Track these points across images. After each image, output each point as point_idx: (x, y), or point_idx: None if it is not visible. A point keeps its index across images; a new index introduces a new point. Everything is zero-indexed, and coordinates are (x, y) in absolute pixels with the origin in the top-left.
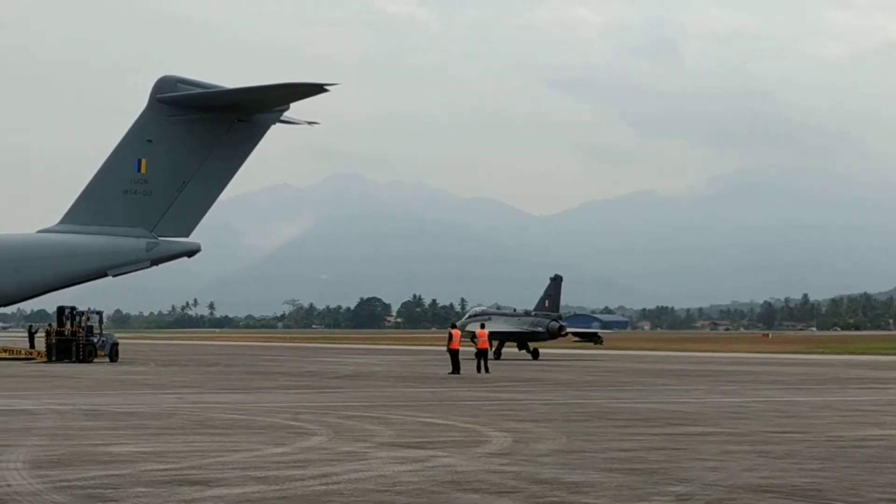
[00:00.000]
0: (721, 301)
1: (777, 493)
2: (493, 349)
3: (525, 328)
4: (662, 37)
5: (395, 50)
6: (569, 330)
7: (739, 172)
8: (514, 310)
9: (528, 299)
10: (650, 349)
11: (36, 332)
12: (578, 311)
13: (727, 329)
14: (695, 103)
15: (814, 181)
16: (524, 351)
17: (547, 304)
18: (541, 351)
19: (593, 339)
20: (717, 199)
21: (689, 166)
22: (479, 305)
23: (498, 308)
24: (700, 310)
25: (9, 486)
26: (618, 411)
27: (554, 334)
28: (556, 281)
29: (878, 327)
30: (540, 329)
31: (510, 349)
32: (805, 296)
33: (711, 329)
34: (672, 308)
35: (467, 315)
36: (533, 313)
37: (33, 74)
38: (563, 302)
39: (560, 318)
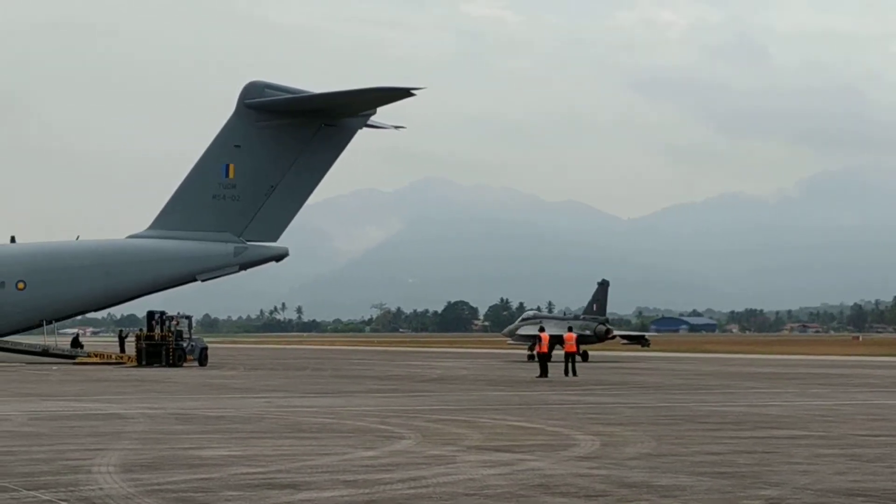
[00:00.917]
0: (810, 303)
1: (868, 497)
2: (537, 351)
3: (575, 332)
4: (748, 37)
5: (481, 53)
6: (616, 333)
7: (827, 173)
8: (564, 313)
9: (615, 302)
10: (739, 352)
11: (126, 336)
12: (666, 314)
13: (816, 332)
14: (781, 104)
15: None
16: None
17: (595, 308)
18: (590, 354)
19: (640, 341)
20: (806, 200)
21: (777, 167)
22: (530, 310)
23: (549, 312)
24: (789, 312)
25: (101, 489)
26: (707, 415)
27: (601, 337)
28: (604, 286)
29: None
30: (588, 332)
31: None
32: None
33: (800, 332)
34: (761, 310)
35: (520, 319)
36: (581, 317)
37: (122, 81)
38: (651, 304)
39: (607, 321)
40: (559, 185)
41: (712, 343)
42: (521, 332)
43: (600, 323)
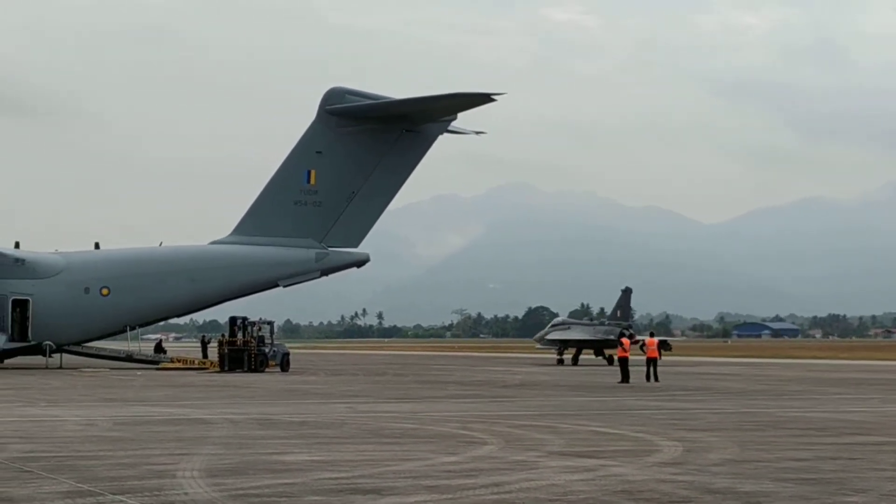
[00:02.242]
0: (895, 308)
1: None
2: (572, 356)
3: (598, 336)
4: (829, 40)
5: (562, 58)
6: (639, 338)
7: None
8: (591, 320)
9: (692, 306)
10: (821, 357)
11: (209, 342)
12: (748, 319)
13: None
14: (864, 105)
15: None
16: (600, 357)
17: (619, 314)
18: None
19: (663, 346)
20: (891, 203)
21: (860, 171)
22: (558, 316)
23: (577, 318)
24: (873, 317)
25: (186, 494)
26: (790, 420)
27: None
28: (627, 292)
29: None
30: (612, 337)
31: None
32: None
33: (885, 337)
34: (844, 315)
35: (549, 325)
36: (607, 322)
37: (202, 88)
38: (732, 310)
39: (629, 326)
40: (640, 191)
41: (794, 348)
42: (550, 337)
43: (623, 328)
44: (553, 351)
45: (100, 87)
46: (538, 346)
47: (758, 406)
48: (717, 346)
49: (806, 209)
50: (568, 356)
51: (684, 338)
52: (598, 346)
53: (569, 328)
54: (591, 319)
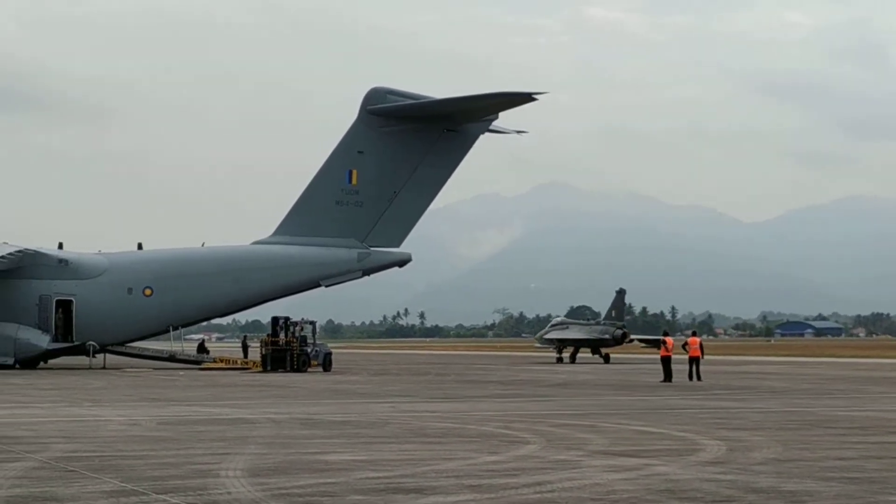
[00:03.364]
0: None
1: None
2: (570, 354)
3: (594, 335)
4: (874, 39)
5: (605, 58)
6: (634, 337)
7: None
8: (588, 320)
9: (734, 306)
10: (865, 356)
11: (249, 343)
12: (791, 318)
13: None
14: None
15: None
16: (597, 356)
17: (613, 315)
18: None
19: (658, 344)
20: None
21: None
22: (558, 317)
23: (575, 318)
24: None
25: (229, 493)
26: (834, 419)
27: (619, 340)
28: (621, 294)
29: None
30: (607, 336)
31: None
32: None
33: None
34: (888, 315)
35: (549, 325)
36: (602, 322)
37: (244, 91)
38: (775, 309)
39: (623, 326)
40: (683, 190)
41: (838, 347)
42: (549, 336)
43: (618, 328)
44: (552, 349)
45: (141, 94)
46: (537, 344)
47: (801, 405)
48: (760, 345)
49: (850, 209)
50: (566, 354)
51: (727, 337)
52: (595, 345)
53: (567, 328)
54: (588, 320)
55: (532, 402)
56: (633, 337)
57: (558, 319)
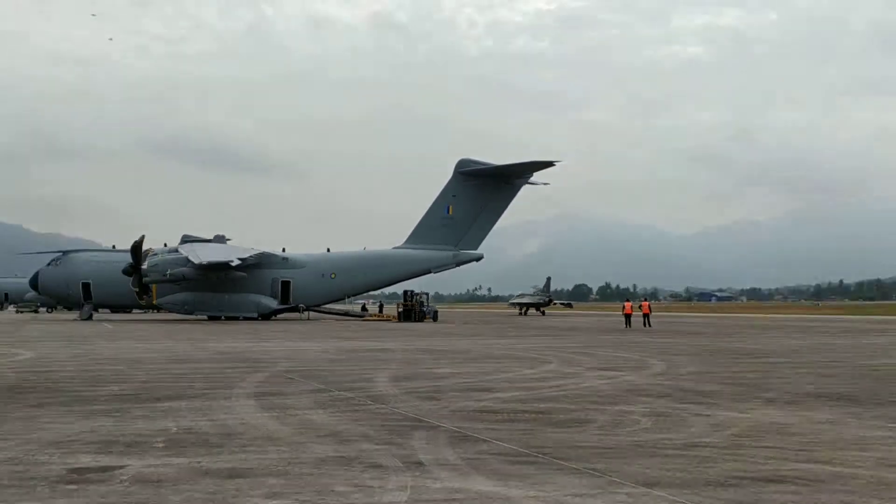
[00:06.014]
0: None
1: (825, 397)
2: (523, 311)
3: (535, 300)
4: None
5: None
6: (555, 301)
7: None
8: (534, 291)
9: (669, 282)
10: (761, 314)
11: (381, 306)
12: (703, 291)
13: None
14: None
15: None
16: (538, 312)
17: (544, 289)
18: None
19: (569, 306)
20: None
21: None
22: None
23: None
24: None
25: (380, 391)
26: (732, 350)
27: (547, 304)
28: (548, 280)
29: None
30: (542, 300)
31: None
32: None
33: None
34: (760, 289)
35: (516, 295)
36: (539, 293)
37: (377, 162)
38: (693, 285)
39: (549, 295)
40: (641, 216)
41: (742, 308)
42: (513, 301)
43: (547, 297)
44: (517, 308)
45: (314, 154)
46: (508, 304)
47: (711, 342)
48: (685, 306)
49: (740, 228)
50: (524, 311)
51: (665, 301)
52: (537, 306)
53: (523, 296)
54: (535, 293)
55: (554, 340)
56: (555, 301)
57: (520, 292)
